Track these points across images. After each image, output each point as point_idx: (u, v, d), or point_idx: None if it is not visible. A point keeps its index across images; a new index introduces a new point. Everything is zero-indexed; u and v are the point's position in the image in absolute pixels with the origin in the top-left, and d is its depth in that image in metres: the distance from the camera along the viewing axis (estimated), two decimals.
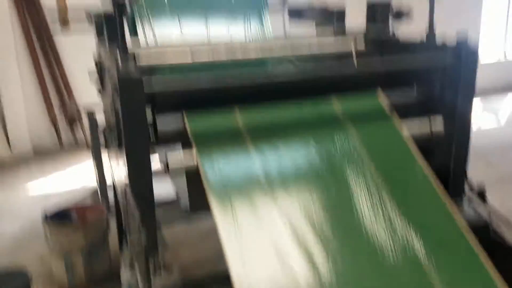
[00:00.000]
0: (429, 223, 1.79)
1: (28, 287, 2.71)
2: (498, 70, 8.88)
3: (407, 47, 2.33)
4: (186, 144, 1.81)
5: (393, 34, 2.52)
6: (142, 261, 1.57)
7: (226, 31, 3.14)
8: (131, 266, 1.83)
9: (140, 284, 1.60)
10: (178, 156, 1.74)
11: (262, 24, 3.24)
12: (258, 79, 1.92)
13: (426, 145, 2.26)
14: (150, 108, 1.80)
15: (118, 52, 1.88)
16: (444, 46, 2.11)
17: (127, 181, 1.68)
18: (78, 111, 4.84)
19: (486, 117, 7.50)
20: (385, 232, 1.68)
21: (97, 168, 4.02)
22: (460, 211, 2.08)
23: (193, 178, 1.76)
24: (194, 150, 1.76)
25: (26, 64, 6.03)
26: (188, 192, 2.05)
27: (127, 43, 2.09)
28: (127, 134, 1.59)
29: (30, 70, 6.06)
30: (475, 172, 5.08)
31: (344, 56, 2.59)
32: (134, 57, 2.18)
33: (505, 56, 9.30)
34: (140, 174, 1.64)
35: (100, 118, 3.02)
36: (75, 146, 6.26)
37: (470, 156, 5.88)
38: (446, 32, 2.13)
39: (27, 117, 6.14)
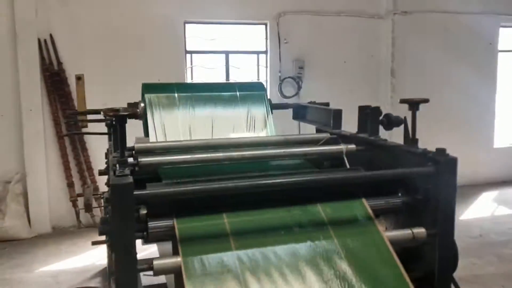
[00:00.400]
0: None
1: None
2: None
3: (392, 152, 2.48)
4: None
5: (381, 138, 2.68)
6: None
7: (231, 128, 3.36)
8: None
9: None
10: (164, 260, 1.87)
11: (266, 125, 3.45)
12: (246, 188, 2.06)
13: (414, 251, 2.35)
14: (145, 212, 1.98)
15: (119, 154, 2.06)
16: (424, 153, 2.24)
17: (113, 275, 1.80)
18: (94, 195, 5.10)
19: (499, 207, 7.43)
20: None
21: (108, 251, 4.19)
22: None
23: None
24: (180, 254, 1.89)
25: (53, 147, 6.41)
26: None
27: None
28: (117, 238, 1.74)
29: (56, 154, 6.43)
30: (485, 264, 5.02)
31: (336, 158, 2.75)
32: (134, 152, 2.38)
33: None
34: (126, 273, 1.75)
35: None
36: (93, 227, 6.45)
37: (482, 246, 5.78)
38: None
39: (49, 198, 6.42)
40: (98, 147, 6.26)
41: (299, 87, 7.40)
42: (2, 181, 6.22)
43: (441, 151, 2.19)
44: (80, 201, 6.28)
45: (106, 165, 2.89)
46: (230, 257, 1.92)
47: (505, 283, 4.67)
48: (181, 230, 1.98)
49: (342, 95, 6.75)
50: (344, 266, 1.98)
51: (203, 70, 7.22)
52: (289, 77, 7.39)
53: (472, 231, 6.22)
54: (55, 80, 6.34)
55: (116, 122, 2.05)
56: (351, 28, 7.73)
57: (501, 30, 8.59)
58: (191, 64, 7.12)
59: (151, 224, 1.99)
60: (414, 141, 2.39)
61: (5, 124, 6.29)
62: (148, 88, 3.40)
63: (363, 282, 1.92)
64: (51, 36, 6.32)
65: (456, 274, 5.28)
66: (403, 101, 2.43)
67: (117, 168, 1.96)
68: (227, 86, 3.89)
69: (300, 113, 3.87)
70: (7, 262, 5.38)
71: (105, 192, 4.03)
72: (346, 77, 7.61)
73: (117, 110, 1.95)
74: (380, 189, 2.39)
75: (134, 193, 1.77)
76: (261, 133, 3.39)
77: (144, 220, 1.98)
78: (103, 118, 3.05)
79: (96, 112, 3.29)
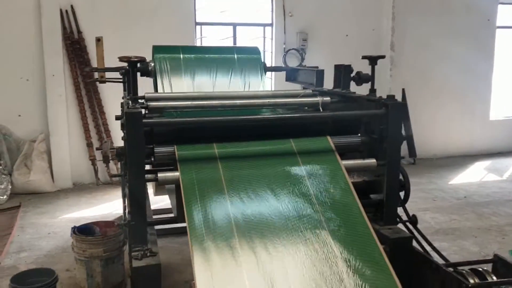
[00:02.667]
0: (351, 232, 2.36)
1: (54, 282, 3.37)
2: (508, 127, 9.29)
3: (358, 101, 2.99)
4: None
5: (351, 92, 3.18)
6: (129, 250, 2.21)
7: (228, 86, 3.88)
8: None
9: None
10: (167, 173, 2.43)
11: (260, 85, 3.96)
12: (231, 122, 2.60)
13: (371, 182, 2.88)
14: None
15: (130, 97, 2.61)
16: (378, 100, 2.75)
17: (127, 189, 2.36)
18: (112, 150, 5.65)
19: (489, 174, 7.88)
20: (316, 240, 2.26)
21: (123, 197, 4.76)
22: (389, 231, 2.63)
23: (179, 195, 2.41)
24: (179, 170, 2.44)
25: (73, 110, 7.02)
26: (176, 206, 2.70)
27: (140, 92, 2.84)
28: (130, 153, 2.29)
29: (76, 116, 7.04)
30: (464, 220, 5.51)
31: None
32: (145, 99, 2.93)
33: None
34: (136, 180, 2.31)
35: None
36: (110, 185, 7.08)
37: (464, 206, 6.30)
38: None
39: (71, 156, 7.06)
40: (114, 111, 6.82)
41: (302, 59, 7.85)
42: (28, 140, 6.85)
43: (391, 97, 2.68)
44: (99, 156, 6.90)
45: (121, 112, 3.42)
46: (217, 173, 2.47)
47: (477, 234, 5.17)
48: (180, 154, 2.53)
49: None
50: (306, 184, 2.51)
51: (212, 41, 7.71)
52: (293, 48, 7.84)
53: (458, 194, 6.71)
54: (75, 48, 6.91)
55: (129, 66, 2.57)
56: (354, 2, 8.14)
57: (500, 6, 8.90)
58: (201, 35, 7.61)
59: (157, 149, 2.55)
60: (374, 91, 2.88)
61: (30, 88, 6.90)
62: (157, 49, 3.93)
63: (319, 194, 2.46)
64: (72, 7, 6.87)
65: (437, 227, 5.85)
66: (364, 57, 2.91)
67: (129, 104, 2.50)
68: (227, 49, 4.41)
69: (292, 75, 4.38)
70: (33, 210, 6.04)
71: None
72: (347, 50, 8.01)
73: (130, 57, 2.48)
74: (346, 131, 2.90)
75: (143, 120, 2.32)
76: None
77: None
78: (118, 71, 3.60)
79: (113, 69, 3.84)
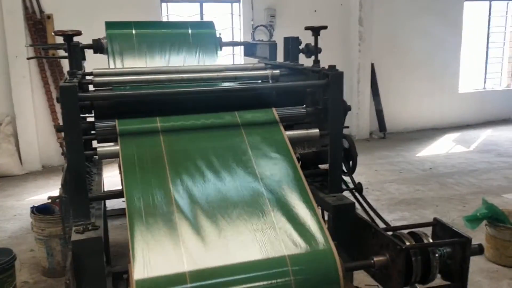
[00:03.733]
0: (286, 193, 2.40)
1: (12, 261, 3.38)
2: (477, 99, 9.44)
3: (305, 73, 3.01)
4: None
5: (299, 64, 3.19)
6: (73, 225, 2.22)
7: (182, 62, 3.87)
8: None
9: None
10: (106, 148, 2.43)
11: (215, 60, 3.95)
12: (171, 94, 2.60)
13: (319, 152, 2.93)
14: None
15: (68, 72, 2.59)
16: (320, 70, 2.77)
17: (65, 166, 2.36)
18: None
19: (456, 146, 8.03)
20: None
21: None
22: (333, 199, 2.68)
23: None
24: (119, 143, 2.45)
25: (39, 92, 6.94)
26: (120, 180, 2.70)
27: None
28: (66, 127, 2.28)
29: (42, 98, 6.96)
30: (428, 190, 5.63)
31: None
32: (93, 75, 2.90)
33: (484, 86, 9.83)
34: (74, 154, 2.30)
35: None
36: None
37: (429, 177, 6.44)
38: None
39: (38, 139, 7.00)
40: None
41: (271, 35, 7.84)
42: None
43: (331, 68, 2.71)
44: None
45: None
46: (158, 146, 2.48)
47: (439, 203, 5.30)
48: (121, 129, 2.52)
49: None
50: (249, 156, 2.54)
51: (178, 19, 7.64)
52: (261, 25, 7.81)
53: (424, 165, 6.84)
54: (38, 29, 6.79)
55: (64, 40, 2.54)
56: None
57: None
58: (167, 13, 7.53)
59: (97, 124, 2.54)
60: (317, 62, 2.90)
61: None
62: (109, 25, 3.88)
63: (261, 165, 2.49)
64: None
65: (400, 198, 5.94)
66: (307, 28, 2.93)
67: (67, 78, 2.49)
68: (181, 24, 4.37)
69: (250, 50, 4.37)
70: (0, 193, 6.00)
71: None
72: (316, 25, 8.01)
73: (65, 31, 2.46)
74: (292, 103, 2.93)
75: (78, 94, 2.31)
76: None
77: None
78: (61, 48, 3.56)
79: (53, 46, 3.78)
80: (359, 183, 2.95)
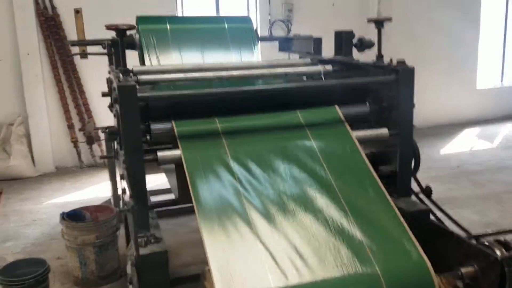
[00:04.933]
0: (366, 206, 2.20)
1: (46, 273, 3.16)
2: (494, 96, 9.27)
3: (362, 68, 2.80)
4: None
5: (354, 59, 2.99)
6: (134, 237, 2.01)
7: (221, 58, 3.65)
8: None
9: (133, 256, 2.03)
10: (166, 152, 2.22)
11: (252, 55, 3.73)
12: (233, 94, 2.39)
13: (380, 153, 2.72)
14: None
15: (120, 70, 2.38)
16: (387, 66, 2.57)
17: (125, 174, 2.14)
18: (96, 130, 5.39)
19: (479, 141, 7.85)
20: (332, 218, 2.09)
21: (111, 179, 4.54)
22: (405, 204, 2.49)
23: (181, 175, 2.21)
24: (180, 147, 2.23)
25: (52, 91, 6.68)
26: (178, 186, 2.50)
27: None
28: (125, 131, 2.07)
29: (55, 97, 6.71)
30: (461, 189, 5.43)
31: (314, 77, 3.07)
32: (133, 73, 2.67)
33: (501, 82, 9.65)
34: (135, 161, 2.10)
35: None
36: (94, 167, 6.82)
37: (459, 175, 6.19)
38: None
39: (51, 139, 6.75)
40: (95, 89, 6.52)
41: (289, 30, 7.59)
42: (5, 123, 6.51)
43: (401, 63, 2.51)
44: (81, 138, 6.60)
45: (108, 88, 3.19)
46: (221, 148, 2.27)
47: (476, 203, 5.11)
48: (180, 130, 2.32)
49: (331, 38, 6.99)
50: (317, 158, 2.33)
51: (194, 12, 7.40)
52: (278, 20, 7.58)
53: (451, 163, 6.65)
54: (50, 25, 6.52)
55: (117, 36, 2.33)
56: None
57: None
58: (182, 6, 7.28)
59: (154, 126, 2.33)
60: (381, 57, 2.69)
61: (5, 68, 6.53)
62: (142, 20, 3.66)
63: (332, 167, 2.29)
64: None
65: (435, 197, 5.75)
66: (370, 20, 2.72)
67: (121, 77, 2.27)
68: (216, 19, 4.16)
69: (286, 45, 4.16)
70: (16, 196, 5.76)
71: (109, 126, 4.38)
72: (334, 20, 7.76)
73: (117, 25, 2.24)
74: (352, 100, 2.72)
75: (138, 94, 2.09)
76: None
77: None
78: (101, 44, 3.33)
79: (97, 42, 3.55)
80: (428, 187, 2.75)
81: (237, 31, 3.80)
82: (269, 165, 2.26)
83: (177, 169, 2.33)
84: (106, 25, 2.25)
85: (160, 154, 2.22)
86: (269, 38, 4.02)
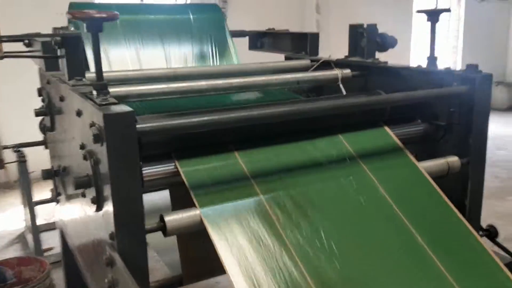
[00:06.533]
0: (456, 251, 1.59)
1: None
2: None
3: (401, 73, 2.15)
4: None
5: (380, 61, 2.32)
6: None
7: (189, 58, 2.82)
8: None
9: None
10: (179, 215, 1.37)
11: (230, 55, 2.94)
12: (256, 118, 1.59)
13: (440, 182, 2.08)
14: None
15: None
16: (451, 72, 1.94)
17: (109, 232, 1.29)
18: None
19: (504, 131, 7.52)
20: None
21: (27, 204, 3.56)
22: None
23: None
24: (197, 205, 1.41)
25: None
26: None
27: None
28: (115, 177, 1.21)
29: None
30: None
31: (328, 85, 2.37)
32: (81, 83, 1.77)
33: None
34: (131, 225, 1.25)
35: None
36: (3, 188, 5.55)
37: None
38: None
39: None
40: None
41: None
42: None
43: (472, 67, 1.89)
44: None
45: (42, 104, 2.23)
46: (256, 199, 1.49)
47: None
48: (189, 175, 1.49)
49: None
50: (387, 204, 1.65)
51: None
52: None
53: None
54: None
55: (88, 29, 1.45)
56: None
57: None
58: None
59: (147, 170, 1.47)
60: (434, 59, 2.05)
61: None
62: (78, 8, 2.69)
63: (408, 215, 1.62)
64: None
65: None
66: (420, 11, 2.07)
67: (95, 96, 1.40)
68: (179, 8, 3.29)
69: (258, 41, 3.39)
70: None
71: (20, 144, 3.35)
72: (271, 13, 7.16)
73: (90, 12, 1.37)
74: (394, 117, 2.06)
75: (138, 126, 1.24)
76: (225, 64, 2.88)
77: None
78: (24, 43, 2.34)
79: (16, 39, 2.51)
80: (492, 226, 2.17)
81: (206, 23, 2.97)
82: (329, 225, 1.53)
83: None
84: (69, 12, 1.37)
85: (170, 219, 1.37)
86: (238, 34, 3.21)
